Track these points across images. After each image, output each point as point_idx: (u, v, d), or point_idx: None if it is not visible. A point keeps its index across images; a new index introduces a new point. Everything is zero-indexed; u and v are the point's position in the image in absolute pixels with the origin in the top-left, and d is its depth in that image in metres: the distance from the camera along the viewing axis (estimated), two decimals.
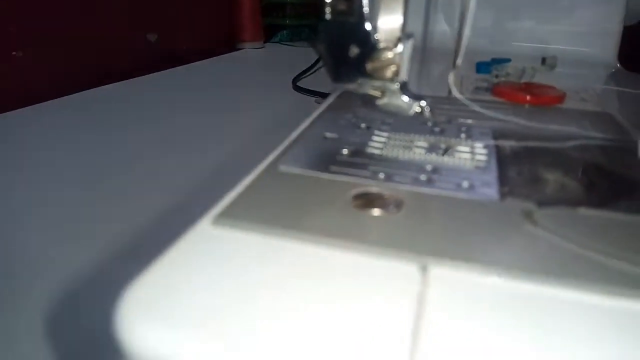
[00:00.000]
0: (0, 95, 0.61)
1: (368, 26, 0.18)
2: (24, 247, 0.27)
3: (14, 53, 0.66)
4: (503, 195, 0.16)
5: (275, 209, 0.15)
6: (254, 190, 0.16)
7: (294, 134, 0.22)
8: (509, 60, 0.32)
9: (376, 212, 0.15)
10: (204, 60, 0.95)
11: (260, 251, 0.13)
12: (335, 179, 0.17)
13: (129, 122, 0.53)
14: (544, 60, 0.31)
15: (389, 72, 0.18)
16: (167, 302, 0.11)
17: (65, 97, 0.64)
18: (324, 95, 0.42)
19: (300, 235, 0.14)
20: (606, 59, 0.41)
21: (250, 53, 1.10)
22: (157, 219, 0.30)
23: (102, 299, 0.13)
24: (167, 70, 0.84)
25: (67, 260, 0.26)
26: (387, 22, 0.19)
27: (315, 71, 0.71)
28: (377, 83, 0.19)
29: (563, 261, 0.13)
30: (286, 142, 0.21)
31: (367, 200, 0.16)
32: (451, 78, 0.23)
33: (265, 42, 1.13)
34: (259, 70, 0.98)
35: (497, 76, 0.31)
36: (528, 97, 0.27)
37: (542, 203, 0.16)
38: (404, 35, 0.19)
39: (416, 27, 0.44)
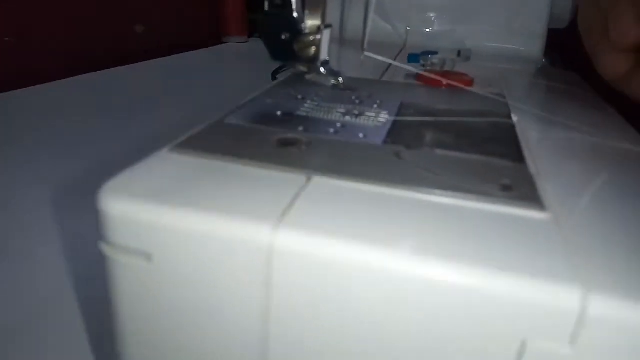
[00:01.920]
0: None
1: (298, 17, 0.24)
2: None
3: (6, 39, 0.71)
4: (385, 142, 0.23)
5: (218, 145, 0.21)
6: (204, 132, 0.22)
7: (242, 102, 0.28)
8: (436, 53, 0.38)
9: (292, 149, 0.21)
10: (189, 52, 1.00)
11: (201, 168, 0.19)
12: (267, 129, 0.23)
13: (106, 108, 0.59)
14: (459, 53, 0.38)
15: (311, 51, 0.25)
16: (139, 187, 0.17)
17: (48, 84, 0.69)
18: None
19: (232, 159, 0.20)
20: (532, 55, 0.48)
21: (235, 47, 1.16)
22: None
23: None
24: (153, 60, 0.89)
25: None
26: (311, 14, 0.25)
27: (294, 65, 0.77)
28: (304, 61, 0.25)
29: (404, 175, 0.19)
30: (234, 107, 0.27)
31: (286, 142, 0.22)
32: (362, 59, 0.29)
33: (249, 36, 1.18)
34: (241, 62, 1.04)
35: (423, 65, 0.37)
36: (443, 82, 0.33)
37: (409, 145, 0.22)
38: (324, 24, 0.25)
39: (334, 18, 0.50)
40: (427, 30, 0.49)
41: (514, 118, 0.28)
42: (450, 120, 0.27)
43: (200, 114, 0.57)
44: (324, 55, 0.25)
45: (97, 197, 0.17)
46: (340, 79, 0.25)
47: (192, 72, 0.85)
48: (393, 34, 0.50)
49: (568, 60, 0.52)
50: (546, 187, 0.19)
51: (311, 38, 0.24)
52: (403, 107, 0.28)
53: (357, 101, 0.29)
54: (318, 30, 0.24)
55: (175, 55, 0.95)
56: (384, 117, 0.26)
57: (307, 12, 0.25)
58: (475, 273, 0.14)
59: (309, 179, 0.19)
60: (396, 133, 0.24)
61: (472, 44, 0.48)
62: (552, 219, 0.17)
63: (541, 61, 0.49)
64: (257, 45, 1.16)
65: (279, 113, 0.26)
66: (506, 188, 0.19)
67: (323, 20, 0.25)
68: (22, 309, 0.27)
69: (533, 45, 0.48)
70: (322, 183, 0.18)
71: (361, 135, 0.23)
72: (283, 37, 0.25)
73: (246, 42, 1.17)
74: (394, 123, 0.25)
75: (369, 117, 0.26)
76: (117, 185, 0.17)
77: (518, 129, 0.26)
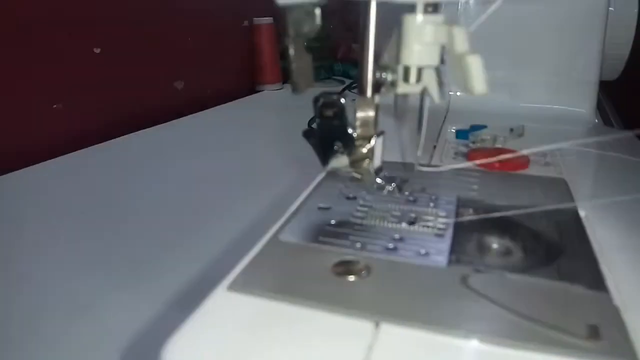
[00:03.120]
0: (42, 144, 0.68)
1: (348, 128, 0.24)
2: None
3: (54, 106, 0.74)
4: (450, 262, 0.21)
5: (277, 279, 0.20)
6: (259, 260, 0.22)
7: (295, 204, 0.27)
8: (485, 126, 0.37)
9: (350, 278, 0.20)
10: (226, 104, 1.02)
11: (262, 314, 0.18)
12: (322, 249, 0.22)
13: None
14: (511, 130, 0.36)
15: (365, 164, 0.24)
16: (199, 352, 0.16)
17: (98, 145, 0.71)
18: None
19: (294, 300, 0.19)
20: (583, 115, 0.46)
21: (270, 95, 1.17)
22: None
23: None
24: (192, 115, 0.91)
25: None
26: (362, 122, 0.24)
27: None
28: (357, 170, 0.24)
29: (485, 321, 0.18)
30: (287, 214, 0.26)
31: (344, 267, 0.21)
32: (416, 165, 0.28)
33: (283, 83, 1.20)
34: (277, 111, 1.05)
35: (474, 142, 0.36)
36: (496, 165, 0.32)
37: (478, 270, 0.21)
38: (376, 132, 0.24)
39: None
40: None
41: (582, 214, 0.26)
42: (514, 222, 0.25)
43: (249, 171, 0.58)
44: (377, 163, 0.24)
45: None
46: (394, 186, 0.24)
47: (235, 124, 0.86)
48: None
49: (620, 115, 0.50)
50: (637, 329, 0.17)
51: (364, 150, 0.23)
52: (460, 206, 0.27)
53: (411, 198, 0.28)
54: (370, 139, 0.24)
55: (215, 108, 0.96)
56: (442, 220, 0.25)
57: (358, 121, 0.24)
58: None
59: (377, 325, 0.17)
60: (459, 246, 0.23)
61: (520, 104, 0.46)
62: None
63: (593, 120, 0.47)
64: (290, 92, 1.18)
65: (332, 222, 0.25)
66: (593, 332, 0.17)
67: (375, 127, 0.24)
68: None
69: (584, 102, 0.47)
70: (392, 333, 0.17)
71: (423, 251, 0.22)
72: (336, 147, 0.24)
73: (280, 88, 1.19)
74: (455, 230, 0.24)
75: (427, 221, 0.25)
76: (180, 347, 0.16)
77: (589, 231, 0.24)
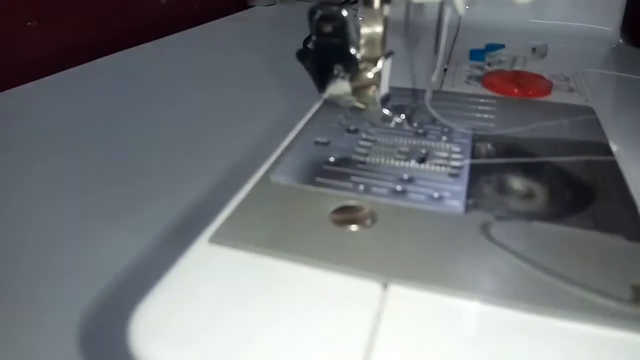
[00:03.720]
0: (15, 67, 0.63)
1: (351, 46, 0.20)
2: None
3: (29, 23, 0.68)
4: (467, 207, 0.18)
5: (263, 228, 0.17)
6: (246, 207, 0.19)
7: (288, 138, 0.24)
8: (502, 46, 0.33)
9: (352, 227, 0.17)
10: (216, 21, 0.94)
11: (248, 270, 0.16)
12: (320, 192, 0.19)
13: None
14: (534, 50, 0.32)
15: (370, 91, 0.20)
16: (170, 321, 0.14)
17: (77, 67, 0.65)
18: None
19: (283, 254, 0.16)
20: (607, 34, 0.41)
21: (262, 11, 1.09)
22: None
23: None
24: (179, 33, 0.84)
25: None
26: (368, 40, 0.20)
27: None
28: (361, 98, 0.21)
29: (510, 280, 0.15)
30: (280, 148, 0.23)
31: (345, 215, 0.18)
32: (427, 98, 0.24)
33: None
34: (269, 29, 0.98)
35: (490, 64, 0.32)
36: (515, 90, 0.28)
37: (500, 217, 0.18)
38: (384, 52, 0.20)
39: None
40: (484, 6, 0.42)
41: (614, 148, 0.23)
42: (539, 158, 0.22)
43: (238, 98, 0.54)
44: (384, 89, 0.21)
45: (127, 331, 0.13)
46: (404, 117, 0.21)
47: (223, 43, 0.80)
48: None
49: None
50: None
51: (370, 75, 0.20)
52: (477, 140, 0.23)
53: (420, 130, 0.24)
54: (377, 61, 0.20)
55: (204, 25, 0.89)
56: (456, 160, 0.22)
57: (362, 39, 0.20)
58: None
59: (385, 287, 0.15)
60: (476, 188, 0.20)
61: (537, 20, 0.41)
62: None
63: (618, 39, 0.42)
64: (285, 8, 1.10)
65: (331, 159, 0.22)
66: (639, 295, 0.14)
67: (383, 46, 0.20)
68: None
69: (609, 17, 0.42)
70: (403, 296, 0.15)
71: (435, 195, 0.19)
72: (335, 71, 0.20)
73: (273, 4, 1.10)
74: (471, 168, 0.21)
75: (439, 159, 0.22)
76: (150, 320, 0.14)
77: (623, 168, 0.21)
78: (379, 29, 0.20)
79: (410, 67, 0.32)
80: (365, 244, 0.17)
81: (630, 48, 0.42)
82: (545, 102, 0.28)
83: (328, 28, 0.20)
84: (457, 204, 0.19)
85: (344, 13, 0.19)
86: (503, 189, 0.20)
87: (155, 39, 0.78)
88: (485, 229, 0.17)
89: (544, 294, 0.14)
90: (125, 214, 0.33)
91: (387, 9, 0.19)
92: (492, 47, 0.32)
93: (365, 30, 0.20)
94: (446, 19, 0.20)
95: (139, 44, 0.75)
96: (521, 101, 0.28)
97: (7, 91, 0.56)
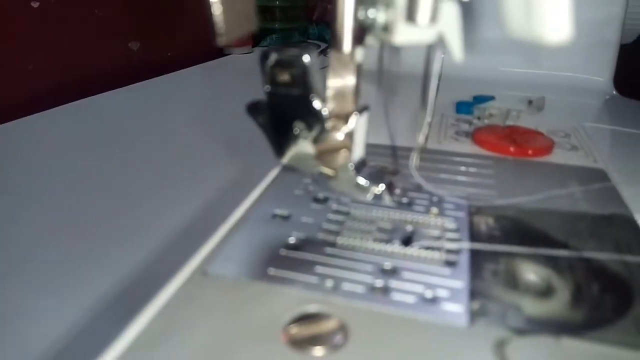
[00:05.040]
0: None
1: (315, 100, 0.15)
2: None
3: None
4: (473, 315, 0.14)
5: (190, 349, 0.12)
6: (166, 314, 0.13)
7: (242, 208, 0.19)
8: (492, 98, 0.29)
9: (317, 350, 0.12)
10: (189, 68, 0.91)
11: None
12: (272, 291, 0.14)
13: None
14: (530, 103, 0.28)
15: (340, 157, 0.16)
16: None
17: (42, 112, 0.60)
18: None
19: None
20: (601, 85, 0.39)
21: (239, 59, 1.07)
22: None
23: None
24: (151, 79, 0.80)
25: None
26: (337, 93, 0.16)
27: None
28: (328, 164, 0.16)
29: None
30: (229, 222, 0.18)
31: (306, 329, 0.13)
32: (412, 162, 0.20)
33: (253, 46, 1.10)
34: (247, 77, 0.94)
35: (479, 118, 0.28)
36: (512, 149, 0.24)
37: (517, 329, 0.13)
38: (357, 107, 0.16)
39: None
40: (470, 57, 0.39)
41: None
42: (549, 238, 0.18)
43: (193, 152, 0.46)
44: (358, 153, 0.16)
45: None
46: (384, 187, 0.16)
47: (195, 93, 0.76)
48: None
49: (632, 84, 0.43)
50: None
51: (340, 136, 0.15)
52: (474, 213, 0.19)
53: (405, 199, 0.20)
54: (348, 118, 0.15)
55: (175, 73, 0.86)
56: (451, 238, 0.17)
57: (330, 90, 0.16)
58: None
59: None
60: (481, 282, 0.15)
61: (529, 70, 0.38)
62: None
63: (611, 91, 0.39)
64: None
65: (291, 240, 0.17)
66: None
67: (356, 99, 0.16)
68: None
69: (601, 68, 0.39)
70: None
71: (428, 294, 0.14)
72: (296, 130, 0.16)
73: (250, 52, 1.08)
74: (472, 255, 0.16)
75: (429, 239, 0.17)
76: None
77: None
78: (351, 78, 0.16)
79: (387, 120, 0.28)
80: None
81: (625, 99, 0.39)
82: (549, 163, 0.24)
83: (285, 76, 0.15)
84: (458, 310, 0.14)
85: (306, 59, 0.15)
86: (514, 282, 0.15)
87: (125, 85, 0.74)
88: (500, 349, 0.12)
89: None
90: None
91: (360, 54, 0.15)
92: (481, 100, 0.29)
93: (333, 80, 0.16)
94: (437, 65, 0.16)
95: (107, 90, 0.71)
96: (520, 162, 0.24)
97: None
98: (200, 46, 1.03)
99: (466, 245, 0.17)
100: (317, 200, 0.20)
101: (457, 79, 0.36)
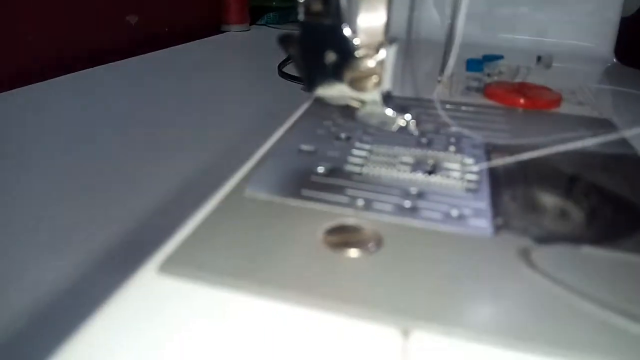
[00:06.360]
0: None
1: (346, 29, 0.16)
2: None
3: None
4: (497, 228, 0.14)
5: (234, 251, 0.13)
6: (212, 225, 0.14)
7: (267, 145, 0.20)
8: (501, 57, 0.30)
9: (352, 252, 0.13)
10: (187, 44, 0.91)
11: (212, 310, 0.11)
12: (308, 207, 0.15)
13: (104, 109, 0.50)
14: (539, 59, 0.29)
15: (370, 84, 0.16)
16: None
17: (35, 84, 0.60)
18: None
19: (262, 289, 0.11)
20: (602, 53, 0.40)
21: (235, 36, 1.06)
22: None
23: None
24: (148, 54, 0.80)
25: None
26: (368, 24, 0.16)
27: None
28: (357, 94, 0.17)
29: (565, 322, 0.11)
30: (257, 156, 0.19)
31: (342, 237, 0.14)
32: (436, 94, 0.21)
33: (251, 24, 1.09)
34: (243, 54, 0.95)
35: (489, 75, 0.29)
36: (522, 101, 0.25)
37: (540, 239, 0.14)
38: (387, 39, 0.16)
39: (401, 14, 0.41)
40: (477, 18, 0.40)
41: None
42: (563, 166, 0.18)
43: (218, 132, 0.48)
44: (386, 85, 0.17)
45: None
46: (412, 120, 0.17)
47: (191, 68, 0.76)
48: (437, 25, 0.41)
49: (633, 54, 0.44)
50: None
51: (370, 63, 0.16)
52: (491, 151, 0.20)
53: (424, 140, 0.21)
54: (379, 48, 0.16)
55: (172, 48, 0.85)
56: (471, 170, 0.18)
57: (360, 19, 0.16)
58: None
59: (405, 334, 0.11)
60: (502, 203, 0.16)
61: (535, 37, 0.39)
62: None
63: (612, 59, 0.40)
64: (260, 34, 1.07)
65: (320, 170, 0.18)
66: None
67: (386, 31, 0.17)
68: None
69: (604, 38, 0.40)
70: (432, 346, 0.10)
71: (454, 212, 0.15)
72: (327, 60, 0.16)
73: (247, 30, 1.08)
74: (491, 182, 0.17)
75: (452, 171, 0.18)
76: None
77: None
78: (381, 9, 0.16)
79: (401, 75, 0.29)
80: (371, 275, 0.12)
81: (625, 67, 0.40)
82: (558, 113, 0.25)
83: (318, 6, 0.16)
84: (483, 224, 0.15)
85: None
86: (533, 207, 0.16)
87: (122, 59, 0.74)
88: (525, 255, 0.13)
89: (622, 343, 0.10)
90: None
91: None
92: (491, 58, 0.29)
93: (365, 13, 0.16)
94: (462, 13, 0.17)
95: (104, 63, 0.71)
96: (530, 112, 0.25)
97: None
98: (197, 22, 1.02)
99: (484, 165, 0.17)
100: (339, 139, 0.20)
101: (466, 48, 0.37)
